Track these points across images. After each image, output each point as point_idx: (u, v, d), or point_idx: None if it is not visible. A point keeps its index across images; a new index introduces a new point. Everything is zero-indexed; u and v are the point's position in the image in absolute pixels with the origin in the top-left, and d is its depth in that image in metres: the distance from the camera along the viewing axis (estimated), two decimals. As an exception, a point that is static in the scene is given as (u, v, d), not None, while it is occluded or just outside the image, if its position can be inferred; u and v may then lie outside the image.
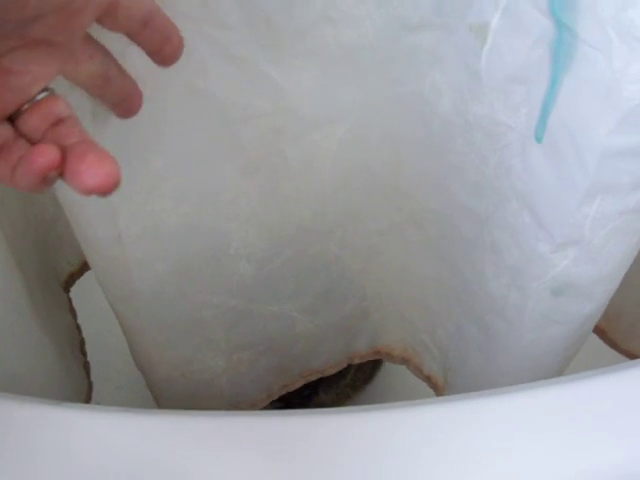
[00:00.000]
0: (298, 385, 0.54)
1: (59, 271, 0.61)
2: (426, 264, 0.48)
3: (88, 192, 0.24)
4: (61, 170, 0.24)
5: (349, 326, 0.52)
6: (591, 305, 0.41)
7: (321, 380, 0.69)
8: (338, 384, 0.73)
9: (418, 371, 0.56)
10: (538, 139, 0.35)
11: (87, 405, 0.57)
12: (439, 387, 0.55)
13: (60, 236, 0.59)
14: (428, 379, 0.56)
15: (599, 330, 0.59)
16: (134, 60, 0.30)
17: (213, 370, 0.48)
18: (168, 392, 0.50)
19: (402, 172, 0.42)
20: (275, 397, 0.54)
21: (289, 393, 0.65)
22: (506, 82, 0.34)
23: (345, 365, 0.56)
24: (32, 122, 0.26)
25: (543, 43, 0.32)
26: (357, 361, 0.56)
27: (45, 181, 0.24)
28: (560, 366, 0.47)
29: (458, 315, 0.48)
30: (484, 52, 0.35)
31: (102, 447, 0.37)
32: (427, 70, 0.37)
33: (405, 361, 0.56)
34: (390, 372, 0.78)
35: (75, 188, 0.24)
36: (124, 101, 0.30)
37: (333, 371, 0.55)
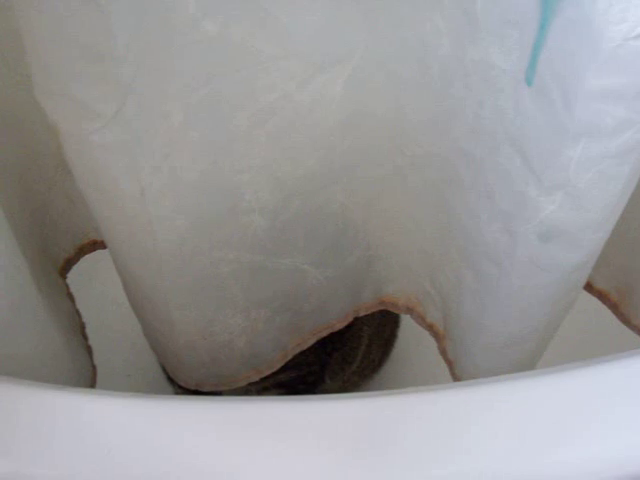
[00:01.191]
0: (310, 342, 0.55)
1: (55, 257, 0.60)
2: (427, 209, 0.49)
3: None
4: None
5: (355, 277, 0.53)
6: (578, 254, 0.42)
7: (327, 366, 0.69)
8: (344, 371, 0.70)
9: (421, 320, 0.58)
10: (528, 82, 0.36)
11: (96, 390, 0.57)
12: (440, 335, 0.56)
13: (54, 222, 0.58)
14: (430, 327, 0.57)
15: (611, 304, 0.58)
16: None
17: (232, 330, 0.49)
18: (188, 358, 0.50)
19: (404, 115, 0.43)
20: (290, 357, 0.55)
21: (294, 379, 0.65)
22: (500, 25, 0.35)
23: (351, 318, 0.57)
24: None
25: None
26: (362, 313, 0.57)
27: None
28: (549, 319, 0.48)
29: (456, 260, 0.49)
30: None
31: (110, 432, 0.37)
32: (428, 13, 0.38)
33: (409, 310, 0.57)
34: (399, 360, 0.76)
35: None
36: None
37: (341, 325, 0.56)
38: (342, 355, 0.68)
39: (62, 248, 0.60)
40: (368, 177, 0.47)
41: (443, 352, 0.55)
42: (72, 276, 0.61)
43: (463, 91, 0.40)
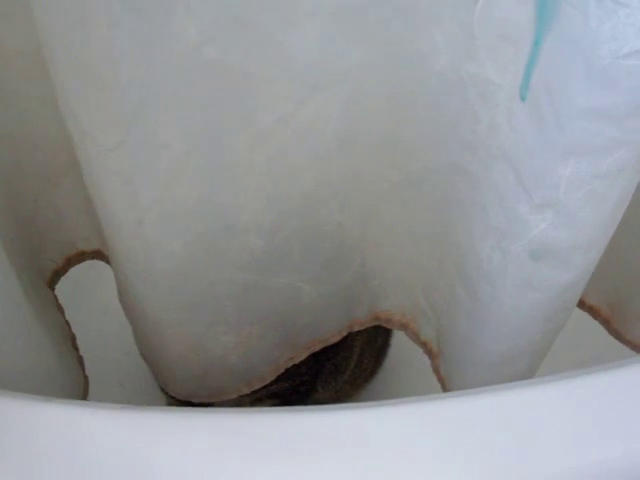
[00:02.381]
0: (303, 357, 0.55)
1: (43, 268, 0.59)
2: (423, 225, 0.49)
3: None
4: None
5: (350, 293, 0.53)
6: (569, 274, 0.42)
7: (319, 376, 0.68)
8: (337, 381, 0.70)
9: (415, 337, 0.57)
10: (522, 98, 0.36)
11: (87, 402, 0.56)
12: (434, 354, 0.56)
13: (40, 233, 0.57)
14: (424, 345, 0.57)
15: (603, 319, 0.58)
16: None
17: (224, 346, 0.48)
18: (180, 373, 0.50)
19: (401, 131, 0.43)
20: (282, 370, 0.55)
21: (287, 390, 0.65)
22: (497, 40, 0.35)
23: (345, 333, 0.57)
24: None
25: (528, 1, 0.32)
26: (357, 328, 0.57)
27: None
28: (542, 338, 0.48)
29: (451, 277, 0.49)
30: (477, 9, 0.36)
31: (101, 445, 0.37)
32: (425, 28, 0.37)
33: (404, 326, 0.57)
34: (392, 370, 0.76)
35: None
36: None
37: (335, 340, 0.56)
38: (334, 364, 0.68)
39: (50, 259, 0.59)
40: (364, 194, 0.46)
41: (436, 370, 0.55)
42: (61, 287, 0.60)
43: (460, 106, 0.40)
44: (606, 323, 0.57)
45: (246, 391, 0.56)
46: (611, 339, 0.58)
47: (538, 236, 0.39)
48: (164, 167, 0.36)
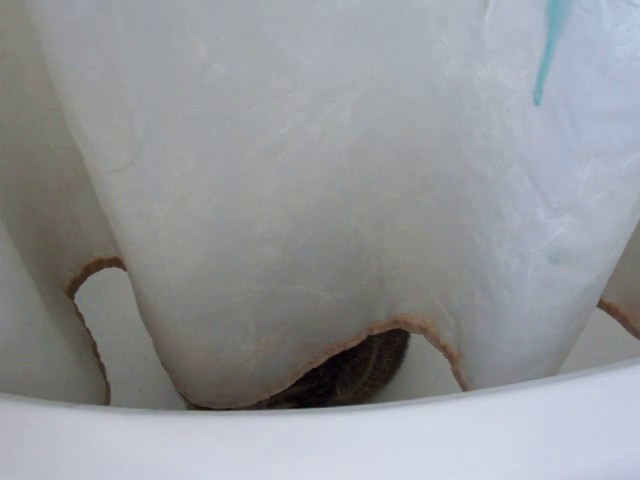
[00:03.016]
0: (322, 360, 0.55)
1: (62, 277, 0.60)
2: (438, 230, 0.49)
3: None
4: None
5: (368, 297, 0.53)
6: (589, 276, 0.41)
7: (338, 378, 0.68)
8: (355, 382, 0.70)
9: (435, 340, 0.57)
10: (536, 102, 0.35)
11: (105, 407, 0.57)
12: (454, 357, 0.56)
13: (59, 244, 0.58)
14: (444, 349, 0.57)
15: (622, 318, 0.57)
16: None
17: (242, 354, 0.49)
18: (198, 381, 0.50)
19: (414, 137, 0.43)
20: (301, 374, 0.55)
21: (305, 392, 0.65)
22: (507, 45, 0.35)
23: (365, 337, 0.56)
24: None
25: (540, 5, 0.32)
26: (376, 331, 0.57)
27: None
28: (562, 340, 0.47)
29: (469, 282, 0.49)
30: (487, 14, 0.35)
31: (120, 448, 0.37)
32: (434, 34, 0.37)
33: (423, 330, 0.57)
34: (410, 371, 0.76)
35: None
36: None
37: (354, 343, 0.56)
38: (353, 366, 0.68)
39: (68, 268, 0.60)
40: (379, 200, 0.46)
41: (457, 374, 0.55)
42: (80, 295, 0.61)
43: (472, 111, 0.40)
44: (624, 321, 0.57)
45: (265, 397, 0.56)
46: (629, 336, 0.57)
47: (557, 240, 0.39)
48: (177, 182, 0.36)
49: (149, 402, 0.72)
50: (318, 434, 0.37)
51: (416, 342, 0.74)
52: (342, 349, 0.55)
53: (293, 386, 0.58)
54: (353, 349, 0.60)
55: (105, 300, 0.72)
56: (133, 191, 0.35)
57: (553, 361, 0.49)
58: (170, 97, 0.32)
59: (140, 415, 0.39)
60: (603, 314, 0.58)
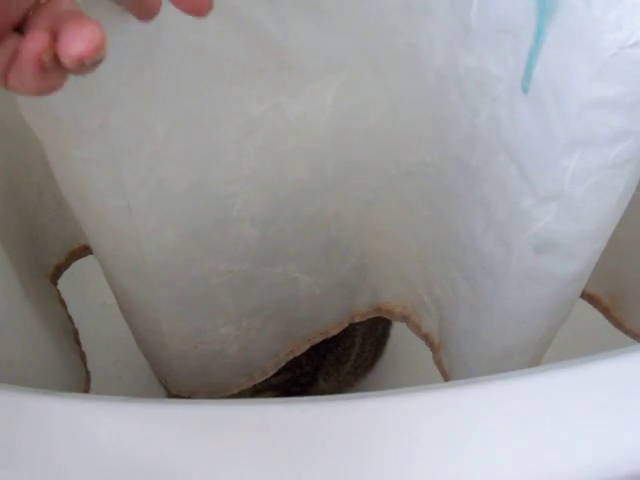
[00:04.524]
0: (304, 349, 0.55)
1: (45, 263, 0.59)
2: (422, 219, 0.48)
3: (75, 62, 0.24)
4: (54, 51, 0.24)
5: (350, 284, 0.53)
6: (574, 266, 0.41)
7: (321, 367, 0.68)
8: (339, 371, 0.70)
9: (417, 329, 0.57)
10: (524, 89, 0.35)
11: (89, 395, 0.57)
12: (435, 346, 0.56)
13: (44, 228, 0.58)
14: (426, 337, 0.57)
15: (604, 308, 0.58)
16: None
17: (224, 339, 0.48)
18: (179, 368, 0.50)
19: (398, 124, 0.42)
20: (283, 363, 0.55)
21: (287, 381, 0.65)
22: (495, 32, 0.35)
23: (346, 324, 0.56)
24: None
25: None
26: (358, 319, 0.56)
27: (44, 71, 0.24)
28: (546, 330, 0.47)
29: (452, 271, 0.49)
30: (475, 1, 0.35)
31: (103, 437, 0.37)
32: (421, 21, 0.37)
33: (405, 318, 0.56)
34: (392, 359, 0.76)
35: (64, 62, 0.24)
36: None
37: (336, 331, 0.55)
38: (335, 355, 0.68)
39: (52, 253, 0.59)
40: (362, 186, 0.46)
41: (438, 363, 0.55)
42: (61, 282, 0.60)
43: (458, 99, 0.39)
44: (606, 312, 0.57)
45: (248, 385, 0.55)
46: (611, 328, 0.57)
47: (543, 229, 0.39)
48: (147, 148, 0.35)
49: (129, 389, 0.72)
50: (300, 423, 0.37)
51: (398, 330, 0.74)
52: (324, 337, 0.55)
53: (276, 375, 0.58)
54: (336, 338, 0.60)
55: (86, 288, 0.71)
56: (103, 160, 0.34)
57: (536, 351, 0.49)
58: (141, 62, 0.32)
59: (122, 402, 0.39)
60: (585, 304, 0.58)
